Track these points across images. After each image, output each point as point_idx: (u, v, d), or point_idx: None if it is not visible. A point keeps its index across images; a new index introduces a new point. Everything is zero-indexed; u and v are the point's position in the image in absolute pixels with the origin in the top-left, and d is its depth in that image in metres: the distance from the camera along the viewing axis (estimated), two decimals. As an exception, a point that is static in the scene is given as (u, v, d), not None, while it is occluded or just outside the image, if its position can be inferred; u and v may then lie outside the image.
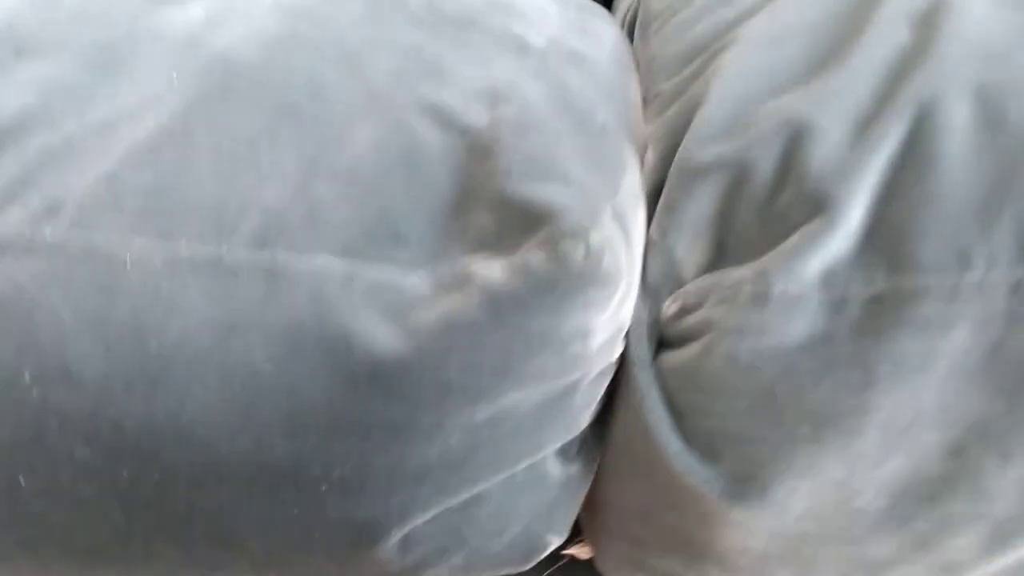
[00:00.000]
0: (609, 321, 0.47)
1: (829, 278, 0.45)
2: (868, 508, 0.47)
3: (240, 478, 0.45)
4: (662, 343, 0.51)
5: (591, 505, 0.54)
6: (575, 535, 0.59)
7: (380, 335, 0.44)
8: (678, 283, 0.51)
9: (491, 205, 0.48)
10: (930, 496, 0.47)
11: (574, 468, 0.51)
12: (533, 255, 0.45)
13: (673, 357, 0.50)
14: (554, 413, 0.48)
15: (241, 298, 0.45)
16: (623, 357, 0.51)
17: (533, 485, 0.49)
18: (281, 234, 0.48)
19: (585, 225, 0.45)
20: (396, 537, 0.46)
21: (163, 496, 0.45)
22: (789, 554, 0.49)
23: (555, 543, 0.50)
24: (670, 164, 0.52)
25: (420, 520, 0.46)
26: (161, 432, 0.44)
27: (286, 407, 0.44)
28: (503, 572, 0.49)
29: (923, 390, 0.45)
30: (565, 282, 0.44)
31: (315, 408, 0.44)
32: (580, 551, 0.57)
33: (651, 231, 0.51)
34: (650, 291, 0.51)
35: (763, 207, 0.48)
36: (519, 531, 0.49)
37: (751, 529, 0.49)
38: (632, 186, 0.49)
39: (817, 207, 0.47)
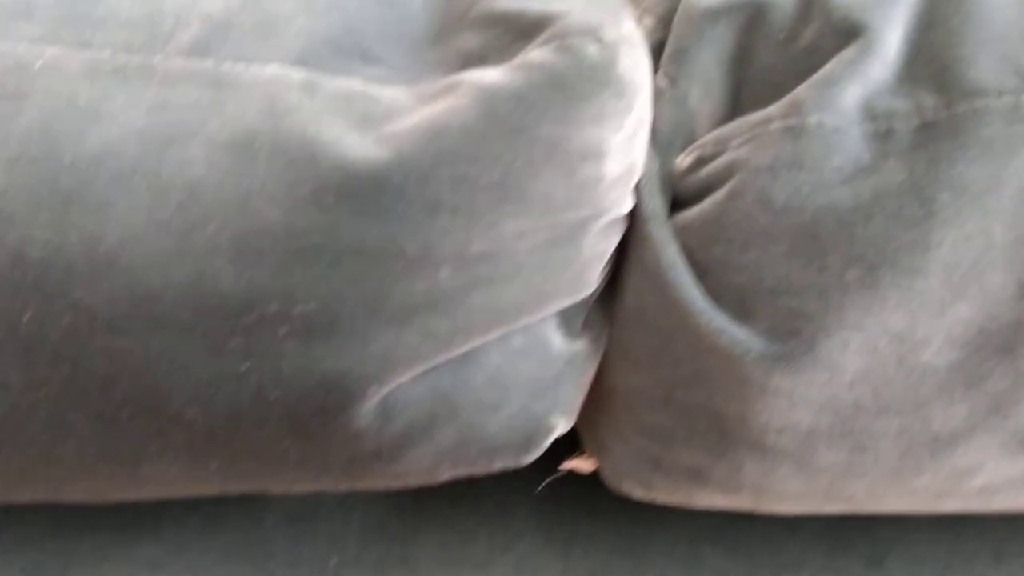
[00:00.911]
0: (623, 148, 0.40)
1: (870, 108, 0.41)
2: (934, 364, 0.41)
3: (175, 321, 0.36)
4: (675, 203, 0.45)
5: (597, 402, 0.46)
6: (575, 448, 0.51)
7: (351, 143, 0.36)
8: (691, 135, 0.44)
9: (477, 25, 0.42)
10: (1005, 347, 0.40)
11: (579, 345, 0.43)
12: (538, 52, 0.38)
13: (691, 213, 0.43)
14: (559, 260, 0.40)
15: (178, 107, 0.37)
16: (633, 217, 0.44)
17: (534, 354, 0.42)
18: (226, 43, 0.40)
19: (597, 23, 0.39)
20: (373, 399, 0.38)
21: (75, 348, 0.36)
22: (840, 430, 0.42)
23: (559, 427, 0.43)
24: (670, 24, 0.46)
25: (403, 377, 0.37)
26: (74, 263, 0.36)
27: (235, 227, 0.36)
28: (499, 462, 0.41)
29: (990, 221, 0.39)
30: (576, 81, 0.37)
31: (271, 229, 0.36)
32: (581, 464, 0.50)
33: (657, 81, 0.45)
34: (661, 145, 0.44)
35: (786, 44, 0.43)
36: (518, 408, 0.41)
37: (795, 399, 0.42)
38: (633, 27, 0.43)
39: (850, 35, 0.42)
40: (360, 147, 0.36)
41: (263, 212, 0.36)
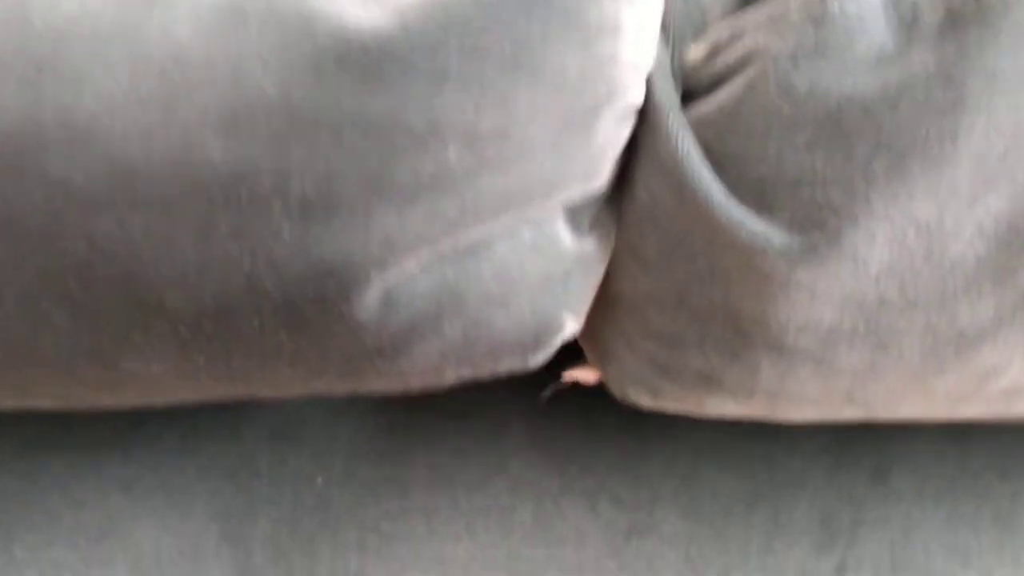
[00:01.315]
0: (637, 27, 0.37)
1: (896, -2, 0.38)
2: (962, 258, 0.39)
3: (159, 199, 0.33)
4: (688, 95, 0.43)
5: (602, 309, 0.44)
6: (577, 358, 0.49)
7: (352, 8, 0.34)
8: (704, 24, 0.42)
9: None
10: (1038, 241, 0.39)
11: (588, 243, 0.41)
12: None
13: (705, 105, 0.41)
14: (572, 144, 0.38)
15: (159, -34, 0.34)
16: (645, 110, 0.42)
17: (543, 249, 0.39)
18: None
19: None
20: (376, 288, 0.35)
21: (49, 228, 0.33)
22: (863, 328, 0.40)
23: (568, 327, 0.40)
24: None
25: (408, 264, 0.35)
26: (48, 134, 0.33)
27: (224, 98, 0.33)
28: (507, 362, 0.39)
29: (1021, 110, 0.37)
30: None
31: (264, 100, 0.33)
32: (584, 374, 0.48)
33: (663, -31, 0.42)
34: (672, 34, 0.42)
35: (805, -71, 0.40)
36: (527, 304, 0.39)
37: (818, 295, 0.40)
38: None
39: (873, -80, 0.39)
40: (363, 13, 0.33)
41: (255, 81, 0.33)
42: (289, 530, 0.53)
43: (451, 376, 0.39)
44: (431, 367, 0.37)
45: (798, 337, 0.41)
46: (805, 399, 0.43)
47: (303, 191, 0.33)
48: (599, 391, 0.53)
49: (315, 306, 0.35)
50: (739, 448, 0.54)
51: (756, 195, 0.41)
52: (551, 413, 0.53)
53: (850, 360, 0.41)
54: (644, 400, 0.46)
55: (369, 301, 0.35)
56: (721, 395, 0.44)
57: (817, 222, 0.40)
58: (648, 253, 0.43)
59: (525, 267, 0.39)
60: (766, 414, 0.45)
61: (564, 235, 0.41)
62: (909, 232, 0.40)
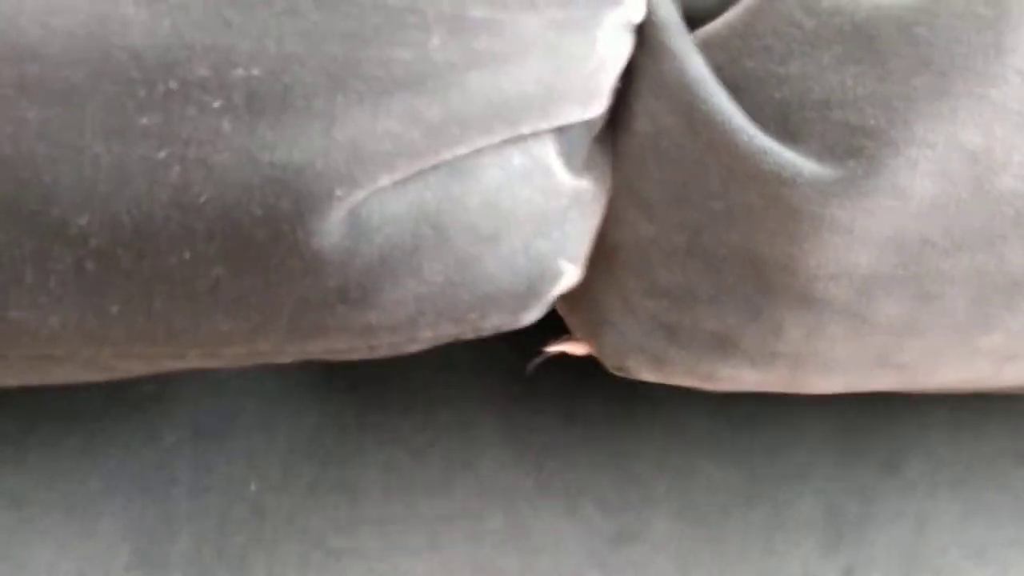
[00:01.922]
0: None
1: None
2: (1013, 191, 0.35)
3: (62, 88, 0.26)
4: (691, 19, 0.38)
5: (594, 268, 0.38)
6: (563, 331, 0.43)
7: None
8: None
9: None
10: (1097, 174, 0.34)
11: (584, 183, 0.35)
12: None
13: (714, 26, 0.36)
14: (570, 49, 0.32)
15: None
16: (644, 33, 0.36)
17: (536, 179, 0.33)
18: None
19: None
20: (341, 209, 0.28)
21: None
22: (903, 274, 0.35)
23: (566, 276, 0.34)
24: None
25: (380, 180, 0.28)
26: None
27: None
28: (495, 316, 0.33)
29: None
30: None
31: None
32: (573, 346, 0.42)
33: None
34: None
35: None
36: (520, 244, 0.32)
37: (854, 234, 0.35)
38: None
39: None
40: None
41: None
42: (215, 548, 0.45)
43: (428, 334, 0.32)
44: (405, 319, 0.31)
45: (829, 286, 0.36)
46: (834, 363, 0.38)
47: (249, 81, 0.27)
48: (580, 374, 0.47)
49: (262, 230, 0.28)
50: (738, 439, 0.48)
51: (779, 120, 0.35)
52: (524, 402, 0.47)
53: (887, 313, 0.36)
54: (646, 372, 0.40)
55: (331, 226, 0.28)
56: (737, 361, 0.38)
57: (852, 149, 0.35)
58: (651, 195, 0.37)
59: (516, 198, 0.33)
60: (786, 384, 0.39)
61: (558, 168, 0.35)
62: (954, 160, 0.35)
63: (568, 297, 0.40)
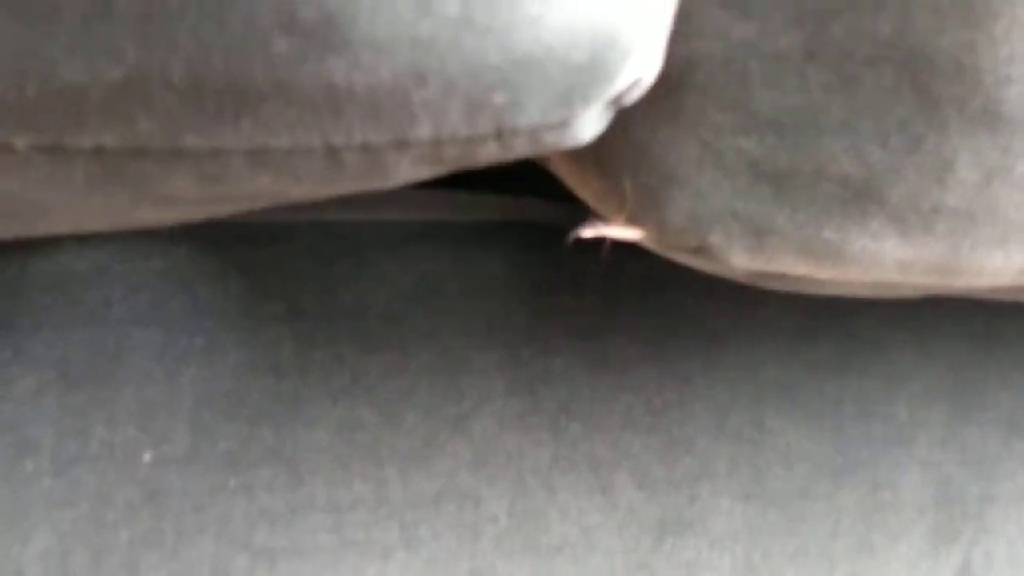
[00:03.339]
0: None
1: None
2: None
3: None
4: None
5: (661, 98, 0.27)
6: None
7: None
8: None
9: None
10: None
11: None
12: None
13: None
14: None
15: None
16: None
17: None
18: None
19: None
20: None
21: None
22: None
23: (633, 60, 0.22)
24: None
25: None
26: None
27: None
28: (535, 102, 0.21)
29: None
30: None
31: None
32: (619, 231, 0.30)
33: None
34: None
35: None
36: None
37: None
38: None
39: None
40: None
41: None
42: (89, 550, 0.32)
43: (424, 131, 0.20)
44: (392, 84, 0.18)
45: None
46: (1017, 227, 0.27)
47: None
48: (611, 296, 0.35)
49: None
50: (819, 390, 0.37)
51: None
52: (535, 338, 0.35)
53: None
54: (738, 252, 0.28)
55: None
56: (880, 224, 0.26)
57: None
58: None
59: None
60: (943, 267, 0.28)
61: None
62: None
63: (610, 153, 0.28)
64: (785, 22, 0.26)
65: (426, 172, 0.23)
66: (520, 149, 0.22)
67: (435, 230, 0.35)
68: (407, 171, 0.22)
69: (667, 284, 0.35)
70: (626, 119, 0.29)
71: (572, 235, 0.30)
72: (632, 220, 0.30)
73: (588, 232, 0.30)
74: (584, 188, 0.32)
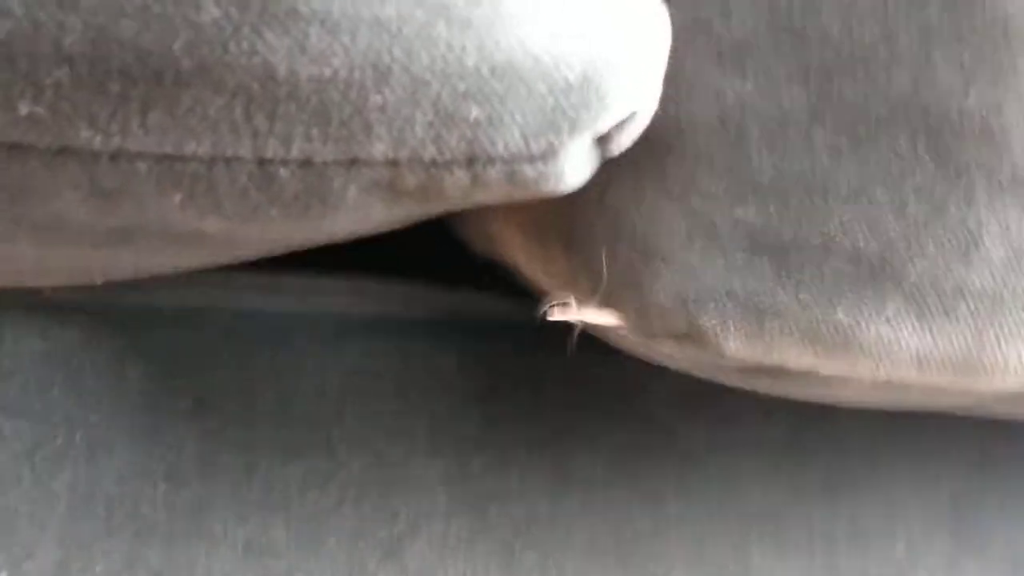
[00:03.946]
0: None
1: None
2: None
3: None
4: None
5: (646, 176, 0.23)
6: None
7: None
8: None
9: None
10: None
11: None
12: None
13: None
14: None
15: None
16: None
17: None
18: None
19: None
20: None
21: None
22: None
23: (626, 96, 0.18)
24: None
25: None
26: None
27: None
28: (515, 123, 0.17)
29: None
30: None
31: None
32: (599, 315, 0.26)
33: None
34: None
35: None
36: (560, 23, 0.17)
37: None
38: None
39: None
40: None
41: None
42: None
43: (380, 147, 0.16)
44: (348, 78, 0.15)
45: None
46: None
47: None
48: (579, 406, 0.31)
49: None
50: (807, 518, 0.33)
51: None
52: (490, 454, 0.30)
53: None
54: (735, 341, 0.23)
55: None
56: (896, 307, 0.23)
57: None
58: (743, 30, 0.23)
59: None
60: (961, 372, 0.23)
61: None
62: None
63: (582, 225, 0.25)
64: (788, 79, 0.23)
65: (379, 211, 0.19)
66: (494, 186, 0.19)
67: (375, 323, 0.31)
68: (355, 203, 0.18)
69: (637, 391, 0.32)
70: (602, 187, 0.26)
71: (540, 313, 0.26)
72: (607, 303, 0.27)
73: (558, 314, 0.26)
74: (549, 271, 0.28)
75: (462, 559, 0.29)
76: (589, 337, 0.32)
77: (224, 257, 0.22)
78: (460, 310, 0.32)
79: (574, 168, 0.20)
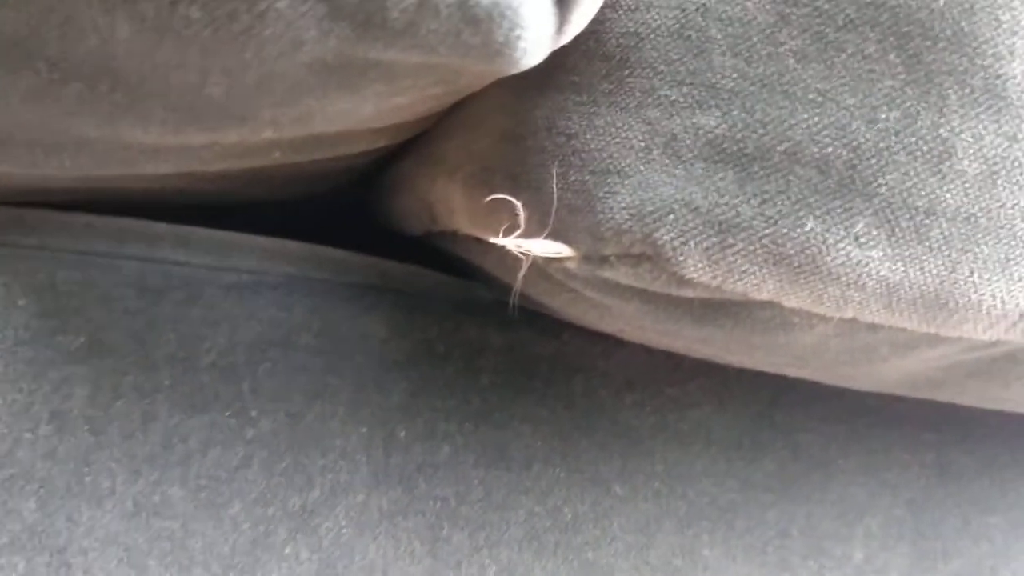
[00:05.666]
0: None
1: None
2: None
3: None
4: None
5: (596, 84, 0.22)
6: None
7: None
8: None
9: None
10: None
11: None
12: None
13: None
14: None
15: None
16: None
17: None
18: None
19: None
20: None
21: None
22: None
23: None
24: None
25: None
26: None
27: None
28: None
29: None
30: None
31: None
32: (548, 246, 0.24)
33: None
34: None
35: None
36: None
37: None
38: None
39: None
40: None
41: None
42: None
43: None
44: None
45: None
46: (1022, 245, 0.22)
47: None
48: (518, 381, 0.29)
49: None
50: (761, 517, 0.31)
51: None
52: (419, 425, 0.28)
53: None
54: (695, 261, 0.21)
55: None
56: (866, 225, 0.21)
57: None
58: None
59: None
60: (932, 311, 0.22)
61: None
62: None
63: (530, 151, 0.24)
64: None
65: (314, 48, 0.17)
66: (444, 19, 0.17)
67: (296, 283, 0.29)
68: (286, 18, 0.16)
69: (580, 371, 0.30)
70: (552, 115, 0.25)
71: (494, 240, 0.24)
72: (558, 237, 0.25)
73: (510, 242, 0.25)
74: (494, 220, 0.27)
75: (383, 535, 0.27)
76: (532, 314, 0.31)
77: (134, 116, 0.20)
78: (390, 278, 0.30)
79: (530, 26, 0.19)
